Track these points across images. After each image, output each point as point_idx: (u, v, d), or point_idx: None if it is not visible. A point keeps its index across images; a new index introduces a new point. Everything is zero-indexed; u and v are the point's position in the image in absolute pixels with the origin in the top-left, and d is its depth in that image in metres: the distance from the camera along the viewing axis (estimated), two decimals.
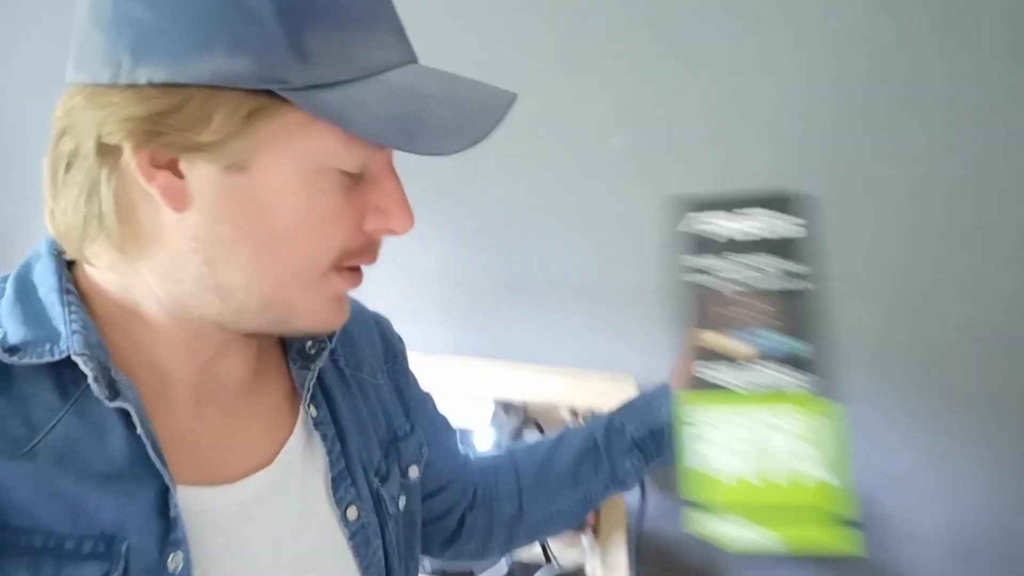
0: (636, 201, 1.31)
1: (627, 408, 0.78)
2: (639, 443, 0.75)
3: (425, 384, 1.21)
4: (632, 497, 1.13)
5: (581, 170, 1.31)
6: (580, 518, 0.80)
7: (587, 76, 1.27)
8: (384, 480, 0.63)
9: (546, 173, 1.32)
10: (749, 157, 1.25)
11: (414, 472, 0.67)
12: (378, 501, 0.62)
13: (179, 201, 0.45)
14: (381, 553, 0.61)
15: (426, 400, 0.77)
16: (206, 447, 0.53)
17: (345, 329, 0.65)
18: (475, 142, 0.45)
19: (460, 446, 0.80)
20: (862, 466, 0.62)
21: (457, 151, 0.45)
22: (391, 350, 0.71)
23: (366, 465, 0.61)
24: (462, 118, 0.46)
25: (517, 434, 1.11)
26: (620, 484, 0.77)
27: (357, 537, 0.59)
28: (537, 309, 1.39)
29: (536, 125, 1.30)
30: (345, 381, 0.63)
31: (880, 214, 1.25)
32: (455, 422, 1.06)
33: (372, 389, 0.66)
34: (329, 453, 0.58)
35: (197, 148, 0.43)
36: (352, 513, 0.59)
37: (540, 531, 0.82)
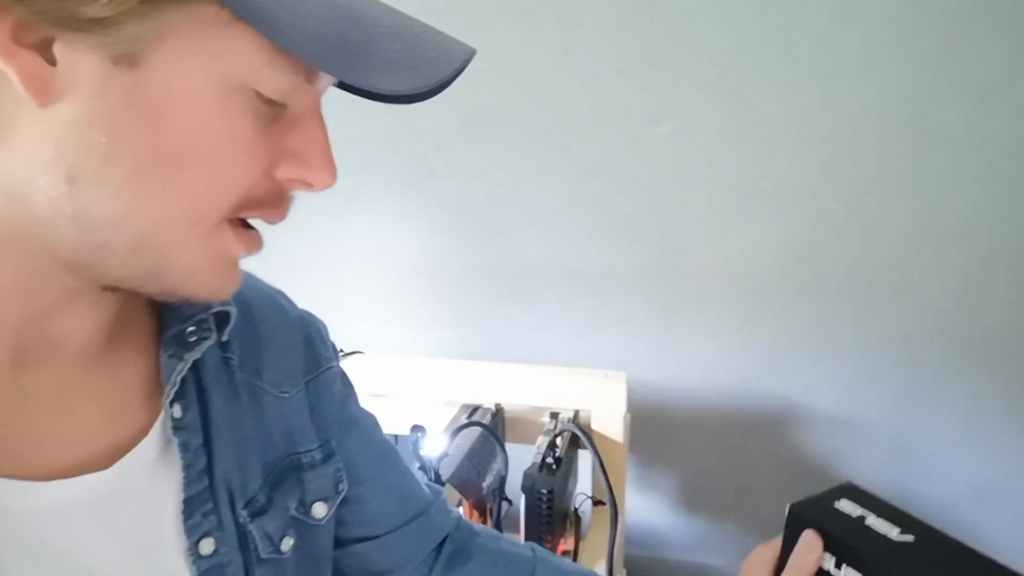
0: (634, 184, 1.14)
1: None
2: None
3: (390, 388, 1.09)
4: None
5: (572, 155, 1.15)
6: None
7: (575, 46, 1.12)
8: (258, 514, 0.50)
9: (534, 157, 1.17)
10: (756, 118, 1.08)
11: (320, 510, 0.54)
12: (244, 538, 0.49)
13: (45, 92, 0.34)
14: None
15: (361, 425, 0.61)
16: (18, 425, 0.41)
17: (252, 325, 0.52)
18: (428, 86, 0.37)
19: (426, 491, 0.63)
20: None
21: (404, 92, 0.36)
22: (315, 359, 0.57)
23: (235, 491, 0.49)
24: (415, 55, 0.37)
25: (479, 449, 0.95)
26: None
27: None
28: (526, 303, 1.23)
29: (524, 103, 1.15)
30: (234, 385, 0.50)
31: None
32: (405, 427, 0.91)
33: (272, 402, 0.52)
34: (188, 468, 0.46)
35: (80, 25, 0.33)
36: (207, 546, 0.46)
37: None
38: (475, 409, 1.04)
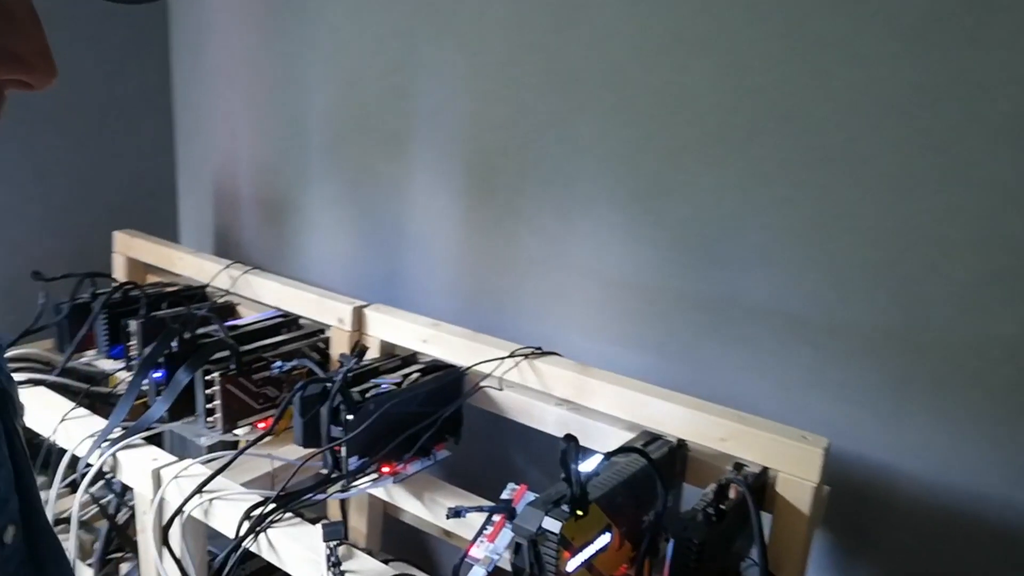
0: (885, 235, 1.00)
1: None
2: None
3: (577, 397, 1.07)
4: None
5: (818, 190, 1.04)
6: None
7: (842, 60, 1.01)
8: None
9: (774, 187, 1.08)
10: None
11: None
12: None
13: None
14: None
15: None
16: None
17: None
18: None
19: None
20: None
21: None
22: None
23: None
24: None
25: (644, 479, 0.90)
26: None
27: None
28: (737, 343, 1.14)
29: (772, 126, 1.07)
30: None
31: None
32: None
33: None
34: None
35: None
36: None
37: None
38: (655, 438, 0.99)
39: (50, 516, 1.07)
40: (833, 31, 1.00)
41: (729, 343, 1.15)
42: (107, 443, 1.02)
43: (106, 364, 1.32)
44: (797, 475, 0.88)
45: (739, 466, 0.94)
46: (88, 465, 1.02)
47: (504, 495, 1.00)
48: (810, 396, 1.10)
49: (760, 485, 0.92)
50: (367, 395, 1.05)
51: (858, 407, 1.06)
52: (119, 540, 1.13)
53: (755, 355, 1.13)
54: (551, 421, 1.09)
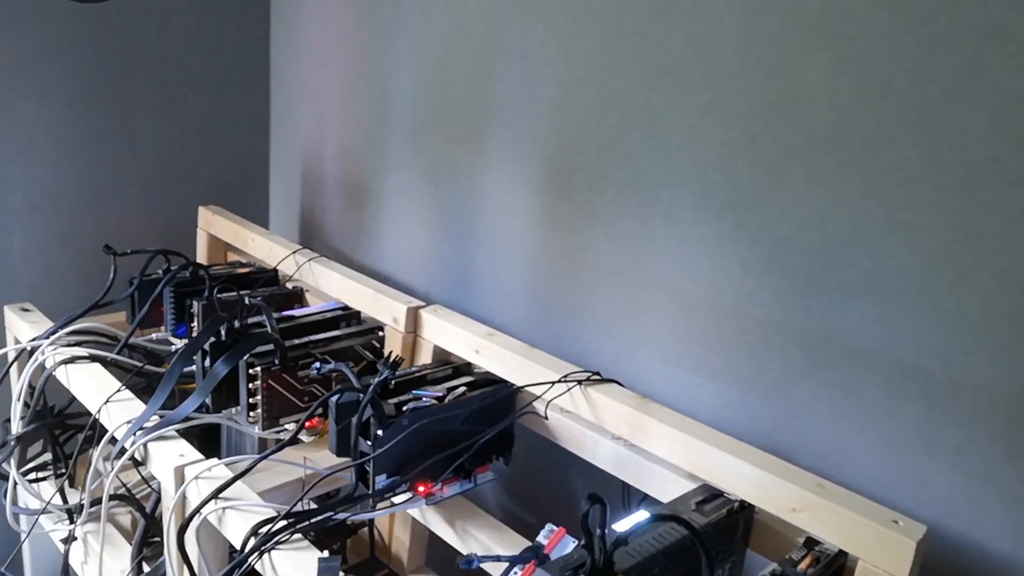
0: None
1: None
2: None
3: (632, 436, 0.93)
4: None
5: (960, 202, 0.86)
6: None
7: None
8: None
9: (895, 205, 0.90)
10: None
11: None
12: None
13: None
14: None
15: None
16: None
17: None
18: None
19: None
20: None
21: None
22: None
23: None
24: None
25: (687, 547, 0.76)
26: None
27: None
28: (836, 388, 0.97)
29: (892, 119, 0.89)
30: None
31: None
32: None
33: None
34: None
35: None
36: None
37: None
38: (716, 495, 0.85)
39: (88, 494, 1.06)
40: (988, 21, 0.81)
41: (825, 387, 0.99)
42: (141, 431, 1.00)
43: (174, 342, 1.32)
44: (881, 567, 0.72)
45: (811, 542, 0.79)
46: (122, 451, 1.00)
47: (540, 537, 0.89)
48: (919, 461, 0.91)
49: (836, 570, 0.76)
50: (404, 407, 0.97)
51: (979, 482, 0.87)
52: (153, 530, 1.11)
53: (856, 404, 0.96)
54: (605, 456, 0.97)
